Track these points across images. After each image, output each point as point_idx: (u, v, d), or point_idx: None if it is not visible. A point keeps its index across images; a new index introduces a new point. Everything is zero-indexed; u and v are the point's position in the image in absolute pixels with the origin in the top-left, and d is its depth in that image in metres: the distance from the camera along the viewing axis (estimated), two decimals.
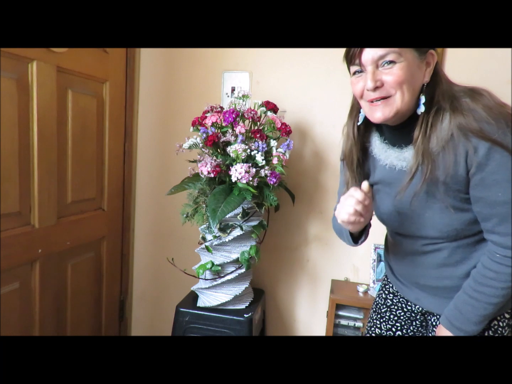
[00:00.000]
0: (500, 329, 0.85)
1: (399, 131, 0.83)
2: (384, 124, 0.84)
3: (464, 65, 1.47)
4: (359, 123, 0.88)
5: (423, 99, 0.78)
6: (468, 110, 0.75)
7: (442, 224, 0.83)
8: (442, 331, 0.86)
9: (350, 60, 0.79)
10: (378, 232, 1.54)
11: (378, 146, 0.89)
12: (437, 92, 0.79)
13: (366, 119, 0.86)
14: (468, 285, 0.82)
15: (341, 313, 1.55)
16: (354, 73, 0.80)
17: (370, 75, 0.75)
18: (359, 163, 0.92)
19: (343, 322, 1.55)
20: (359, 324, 1.54)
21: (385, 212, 0.93)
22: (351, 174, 0.93)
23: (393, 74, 0.74)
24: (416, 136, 0.78)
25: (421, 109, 0.78)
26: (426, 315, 0.98)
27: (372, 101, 0.79)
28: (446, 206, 0.80)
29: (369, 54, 0.75)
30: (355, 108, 0.90)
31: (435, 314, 0.94)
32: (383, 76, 0.75)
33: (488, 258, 0.79)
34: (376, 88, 0.76)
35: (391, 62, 0.74)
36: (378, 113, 0.78)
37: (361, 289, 1.57)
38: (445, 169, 0.76)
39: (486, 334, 0.85)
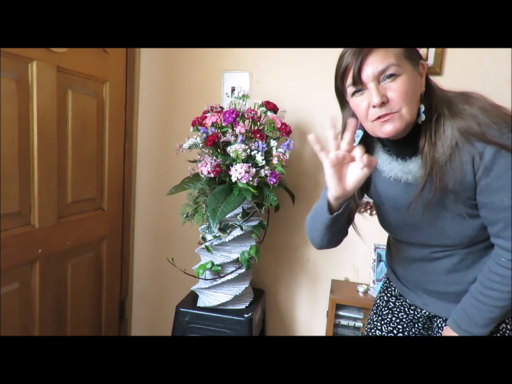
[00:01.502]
0: (508, 331, 0.85)
1: (402, 143, 0.81)
2: (385, 138, 0.82)
3: (464, 65, 1.47)
4: (355, 144, 0.84)
5: (422, 107, 0.76)
6: (466, 113, 0.74)
7: (454, 232, 0.82)
8: (449, 332, 0.85)
9: (352, 81, 0.74)
10: (378, 232, 1.54)
11: (381, 157, 0.86)
12: (433, 100, 0.78)
13: (363, 137, 0.84)
14: (475, 288, 0.82)
15: (341, 313, 1.55)
16: (353, 94, 0.77)
17: (375, 91, 0.72)
18: None
19: (343, 322, 1.55)
20: (359, 324, 1.54)
21: (392, 224, 0.92)
22: None
23: (397, 90, 0.72)
24: (422, 145, 0.76)
25: (422, 117, 0.76)
26: (432, 318, 0.97)
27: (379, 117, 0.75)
28: (457, 214, 0.80)
29: (369, 70, 0.72)
30: None
31: (441, 316, 0.94)
32: (388, 93, 0.72)
33: (494, 262, 0.79)
34: (382, 104, 0.72)
35: (391, 75, 0.72)
36: (388, 127, 0.74)
37: (361, 289, 1.57)
38: (453, 177, 0.76)
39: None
